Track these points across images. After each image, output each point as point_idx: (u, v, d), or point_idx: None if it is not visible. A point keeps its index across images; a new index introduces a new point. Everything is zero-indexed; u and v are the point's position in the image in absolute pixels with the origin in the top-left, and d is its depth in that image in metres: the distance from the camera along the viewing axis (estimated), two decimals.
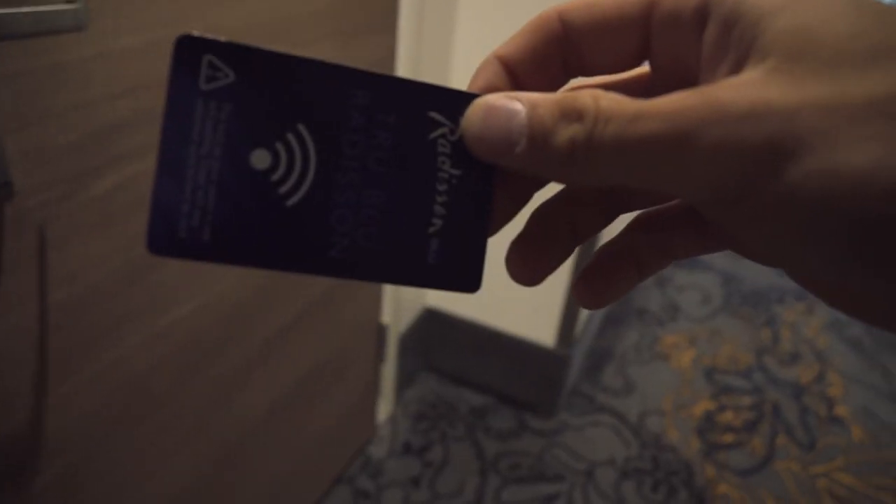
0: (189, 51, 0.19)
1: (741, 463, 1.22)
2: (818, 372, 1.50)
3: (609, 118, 0.17)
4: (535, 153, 0.19)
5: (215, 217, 0.20)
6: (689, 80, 0.20)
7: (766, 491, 1.17)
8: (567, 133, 0.18)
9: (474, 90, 0.22)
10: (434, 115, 0.21)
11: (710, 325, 1.60)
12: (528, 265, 0.23)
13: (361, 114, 0.20)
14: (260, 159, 0.20)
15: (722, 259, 1.90)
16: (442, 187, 0.21)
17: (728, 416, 1.33)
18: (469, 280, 0.22)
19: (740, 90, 0.16)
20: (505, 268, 0.23)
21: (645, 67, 0.23)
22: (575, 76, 0.23)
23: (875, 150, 0.14)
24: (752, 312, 1.67)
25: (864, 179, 0.14)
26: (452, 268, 0.22)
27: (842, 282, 0.17)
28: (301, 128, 0.20)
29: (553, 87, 0.23)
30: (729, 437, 1.27)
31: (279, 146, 0.20)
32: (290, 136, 0.20)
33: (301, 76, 0.20)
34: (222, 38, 0.19)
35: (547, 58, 0.22)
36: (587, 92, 0.18)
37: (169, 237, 0.19)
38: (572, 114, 0.18)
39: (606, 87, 0.23)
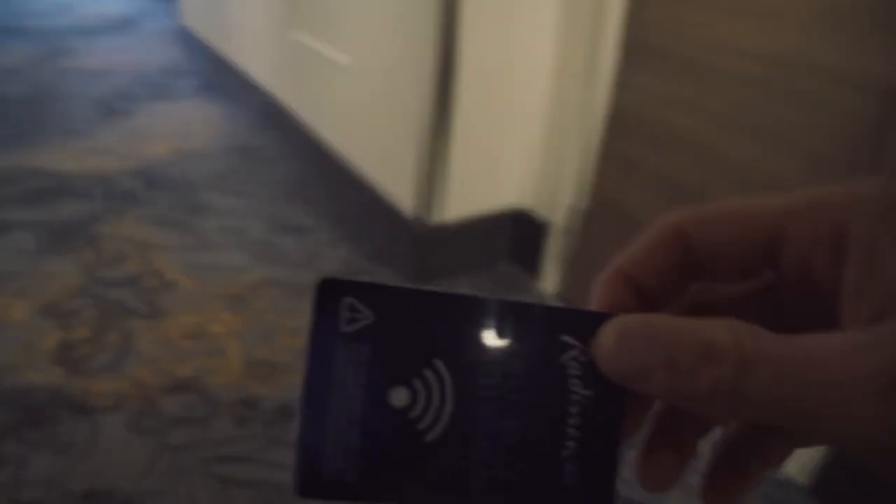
0: (330, 294, 0.19)
1: (106, 361, 1.33)
2: (143, 257, 1.68)
3: (753, 362, 0.17)
4: (673, 388, 0.18)
5: (360, 458, 0.20)
6: (818, 293, 0.21)
7: (138, 375, 1.31)
8: (710, 375, 0.17)
9: (601, 308, 0.22)
10: (565, 338, 0.20)
11: (36, 271, 1.62)
12: (662, 471, 0.23)
13: (496, 343, 0.20)
14: (399, 397, 0.20)
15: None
16: (574, 409, 0.21)
17: (80, 332, 1.41)
18: (603, 499, 0.21)
19: (876, 361, 0.16)
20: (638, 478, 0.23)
21: (769, 275, 0.23)
22: (696, 279, 0.23)
23: (871, 427, 0.16)
24: (70, 242, 1.75)
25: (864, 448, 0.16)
26: (586, 488, 0.21)
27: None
28: (438, 363, 0.20)
29: (674, 290, 0.23)
30: (87, 348, 1.36)
31: (417, 383, 0.20)
32: (428, 372, 0.20)
33: (438, 310, 0.20)
34: (361, 279, 0.20)
35: (669, 268, 0.22)
36: (726, 329, 0.18)
37: (316, 481, 0.20)
38: (713, 356, 0.17)
39: (734, 303, 0.24)
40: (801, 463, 1.12)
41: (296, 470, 0.20)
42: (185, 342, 1.39)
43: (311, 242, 1.80)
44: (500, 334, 0.20)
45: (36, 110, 2.74)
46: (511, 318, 0.20)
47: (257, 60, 2.59)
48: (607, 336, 0.20)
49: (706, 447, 0.24)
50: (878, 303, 0.18)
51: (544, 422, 0.20)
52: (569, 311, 0.21)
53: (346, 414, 0.20)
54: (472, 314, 0.20)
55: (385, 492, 0.20)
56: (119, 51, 3.79)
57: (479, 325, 0.20)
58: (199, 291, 1.55)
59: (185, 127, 2.69)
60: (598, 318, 0.20)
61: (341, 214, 1.92)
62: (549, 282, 1.63)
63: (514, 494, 0.20)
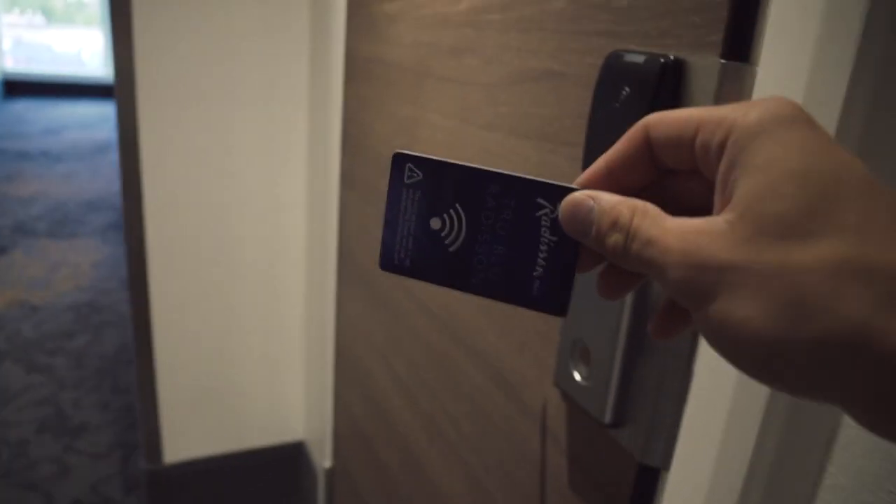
0: (399, 161, 0.32)
1: None
2: None
3: (635, 236, 0.27)
4: (596, 244, 0.29)
5: (412, 254, 0.33)
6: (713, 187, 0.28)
7: None
8: (612, 239, 0.28)
9: (578, 184, 0.31)
10: (540, 200, 0.31)
11: None
12: (611, 290, 0.32)
13: (493, 198, 0.31)
14: (435, 223, 0.32)
15: None
16: (543, 247, 0.31)
17: None
18: (560, 307, 0.32)
19: (699, 243, 0.25)
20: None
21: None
22: (662, 169, 0.30)
23: (748, 307, 0.23)
24: None
25: (739, 326, 0.23)
26: (548, 299, 0.32)
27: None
28: (457, 206, 0.32)
29: (645, 180, 0.30)
30: None
31: (445, 216, 0.32)
32: (452, 211, 0.32)
33: (458, 175, 0.32)
34: (416, 154, 0.32)
35: (637, 159, 0.29)
36: (629, 207, 0.27)
37: (389, 263, 0.34)
38: (616, 224, 0.27)
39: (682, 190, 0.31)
40: None
41: (380, 257, 0.33)
42: None
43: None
44: (498, 193, 0.31)
45: None
46: (506, 184, 0.31)
47: None
48: (566, 204, 0.30)
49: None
50: (728, 195, 0.25)
51: (521, 251, 0.31)
52: (545, 183, 0.31)
53: (406, 229, 0.33)
54: (480, 179, 0.31)
55: (424, 275, 0.33)
56: (65, 178, 3.81)
57: (484, 186, 0.31)
58: None
59: (49, 273, 2.58)
60: (565, 191, 0.30)
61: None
62: None
63: (498, 292, 0.32)
